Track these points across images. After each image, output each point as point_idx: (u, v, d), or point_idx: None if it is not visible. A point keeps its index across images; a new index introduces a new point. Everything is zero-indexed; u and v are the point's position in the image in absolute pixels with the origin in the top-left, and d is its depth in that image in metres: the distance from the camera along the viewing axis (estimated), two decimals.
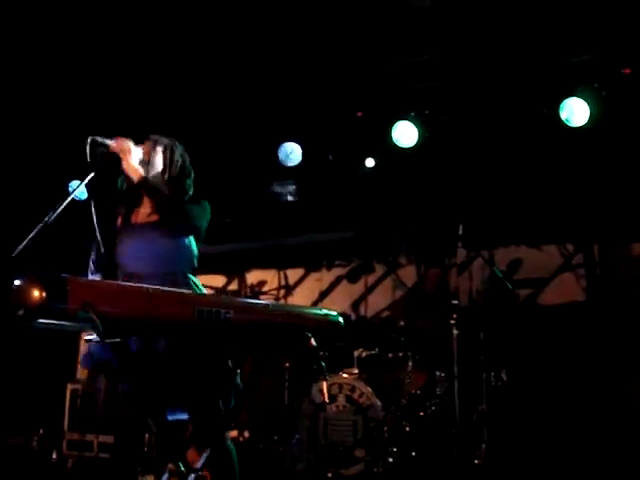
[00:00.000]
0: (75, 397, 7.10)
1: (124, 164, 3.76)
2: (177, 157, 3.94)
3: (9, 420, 7.13)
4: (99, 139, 3.64)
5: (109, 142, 3.71)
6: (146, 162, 3.86)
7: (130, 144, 3.78)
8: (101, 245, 3.59)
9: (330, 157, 7.18)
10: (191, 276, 3.78)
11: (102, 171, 3.64)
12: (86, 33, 6.05)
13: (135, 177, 3.77)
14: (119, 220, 3.83)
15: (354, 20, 5.90)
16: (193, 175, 4.02)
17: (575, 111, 6.14)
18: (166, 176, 3.89)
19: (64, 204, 3.36)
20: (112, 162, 3.77)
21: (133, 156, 3.78)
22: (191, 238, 3.85)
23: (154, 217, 3.77)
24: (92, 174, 3.55)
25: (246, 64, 6.44)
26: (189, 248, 3.83)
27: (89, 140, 3.56)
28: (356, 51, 6.29)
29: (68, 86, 6.67)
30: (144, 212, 3.81)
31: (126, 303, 2.65)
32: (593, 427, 5.98)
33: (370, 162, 7.12)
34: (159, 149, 3.91)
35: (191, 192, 3.97)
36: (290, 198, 7.79)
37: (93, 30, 6.01)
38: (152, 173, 3.85)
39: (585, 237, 7.01)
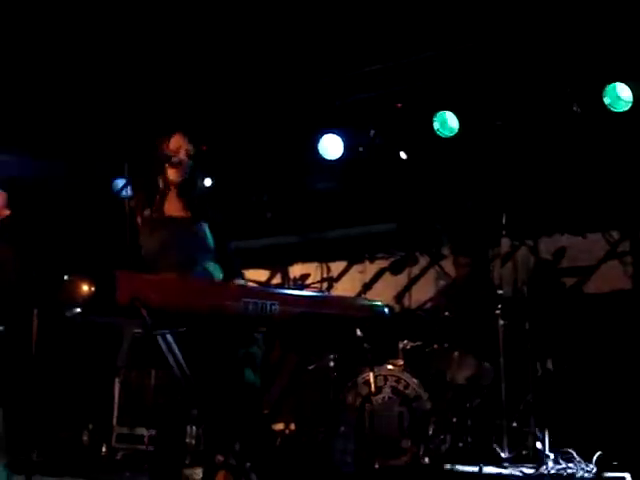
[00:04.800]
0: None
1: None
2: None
3: (60, 415, 7.24)
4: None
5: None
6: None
7: None
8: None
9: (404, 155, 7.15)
10: (209, 263, 3.82)
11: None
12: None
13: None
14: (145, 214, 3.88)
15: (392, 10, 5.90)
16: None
17: (619, 96, 6.07)
18: None
19: None
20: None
21: None
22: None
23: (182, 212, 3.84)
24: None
25: (285, 56, 6.45)
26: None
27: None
28: (395, 42, 6.27)
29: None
30: (170, 207, 3.87)
31: (175, 296, 2.68)
32: None
33: (403, 155, 7.12)
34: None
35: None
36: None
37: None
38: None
39: (631, 224, 6.91)
